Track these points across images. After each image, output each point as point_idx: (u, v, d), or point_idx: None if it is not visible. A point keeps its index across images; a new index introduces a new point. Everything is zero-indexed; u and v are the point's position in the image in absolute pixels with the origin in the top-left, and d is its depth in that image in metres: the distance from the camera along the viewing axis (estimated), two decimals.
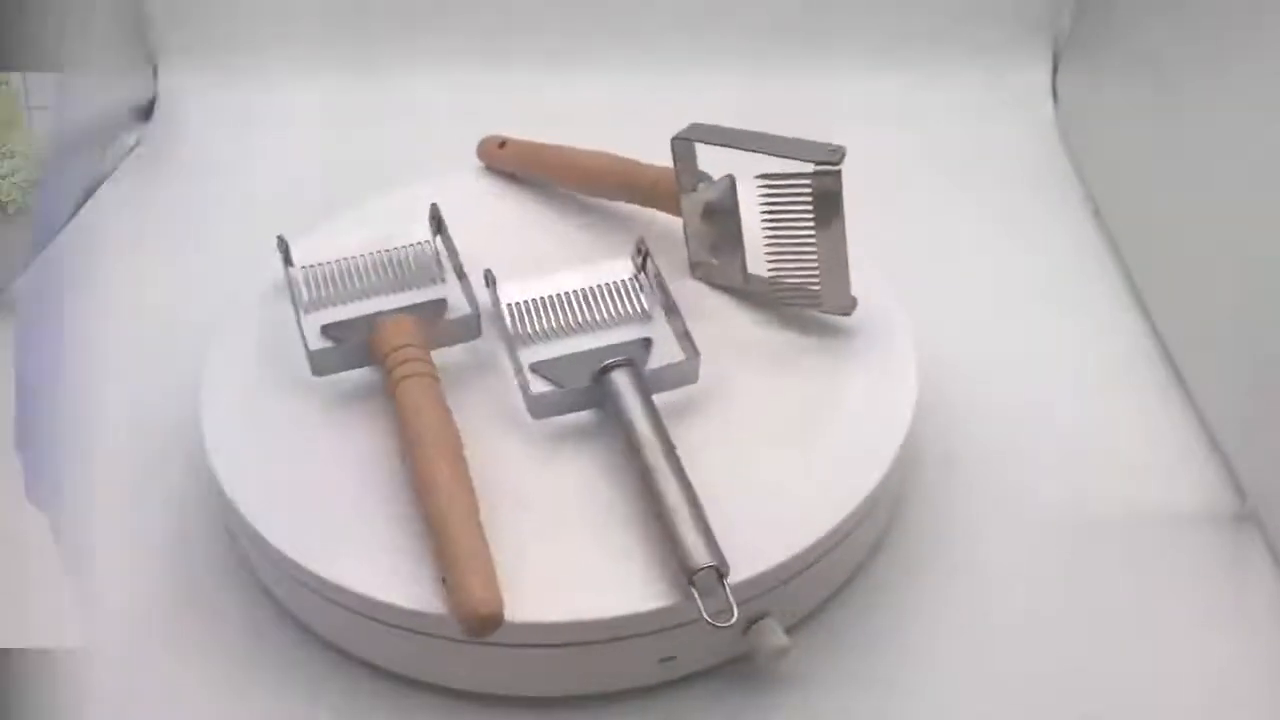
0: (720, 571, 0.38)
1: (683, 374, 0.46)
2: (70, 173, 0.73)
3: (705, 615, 0.37)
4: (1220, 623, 0.45)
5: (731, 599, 0.38)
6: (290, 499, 0.43)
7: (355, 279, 0.52)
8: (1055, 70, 0.80)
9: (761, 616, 0.41)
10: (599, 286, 0.50)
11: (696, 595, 0.38)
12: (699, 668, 0.42)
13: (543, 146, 0.60)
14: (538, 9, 0.80)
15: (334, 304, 0.51)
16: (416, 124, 0.77)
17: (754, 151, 0.46)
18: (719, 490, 0.42)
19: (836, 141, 0.47)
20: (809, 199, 0.45)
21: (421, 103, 0.78)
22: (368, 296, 0.51)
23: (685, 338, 0.47)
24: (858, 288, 0.52)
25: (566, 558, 0.40)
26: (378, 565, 0.40)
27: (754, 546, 0.40)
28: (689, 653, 0.41)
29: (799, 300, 0.49)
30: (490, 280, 0.50)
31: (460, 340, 0.48)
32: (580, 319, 0.49)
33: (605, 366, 0.44)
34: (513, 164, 0.61)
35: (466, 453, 0.42)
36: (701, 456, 0.43)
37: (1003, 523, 0.49)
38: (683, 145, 0.50)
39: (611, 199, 0.57)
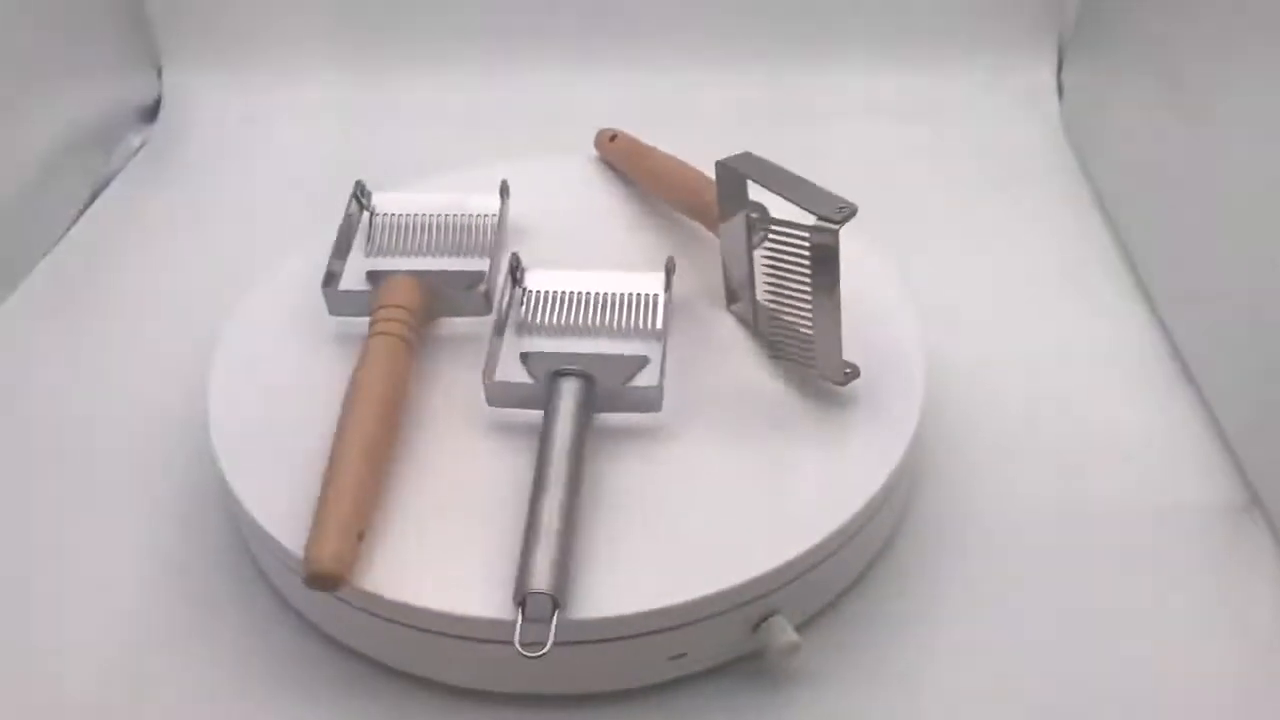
0: (556, 602, 0.37)
1: (645, 399, 0.44)
2: (76, 174, 0.73)
3: (518, 640, 0.36)
4: (1229, 616, 0.45)
5: (553, 633, 0.36)
6: (297, 497, 0.43)
7: (415, 236, 0.54)
8: (1060, 66, 0.80)
9: (771, 614, 0.41)
10: (623, 295, 0.49)
11: (520, 617, 0.37)
12: (709, 665, 0.42)
13: (641, 149, 0.59)
14: (539, 8, 0.80)
15: (386, 254, 0.53)
16: (422, 123, 0.77)
17: (774, 192, 0.44)
18: (728, 487, 0.43)
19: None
20: (807, 254, 0.43)
21: (427, 101, 0.78)
22: (418, 254, 0.53)
23: (661, 364, 0.46)
24: (864, 284, 0.52)
25: (576, 555, 0.40)
26: (384, 562, 0.40)
27: (764, 544, 0.40)
28: (699, 650, 0.41)
29: (795, 356, 0.47)
30: (516, 263, 0.50)
31: (466, 314, 0.49)
32: (589, 322, 0.49)
33: (557, 371, 0.44)
34: (615, 159, 0.61)
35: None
36: (710, 454, 0.44)
37: (1011, 518, 0.49)
38: (724, 171, 0.48)
39: (682, 214, 0.56)
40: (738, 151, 0.55)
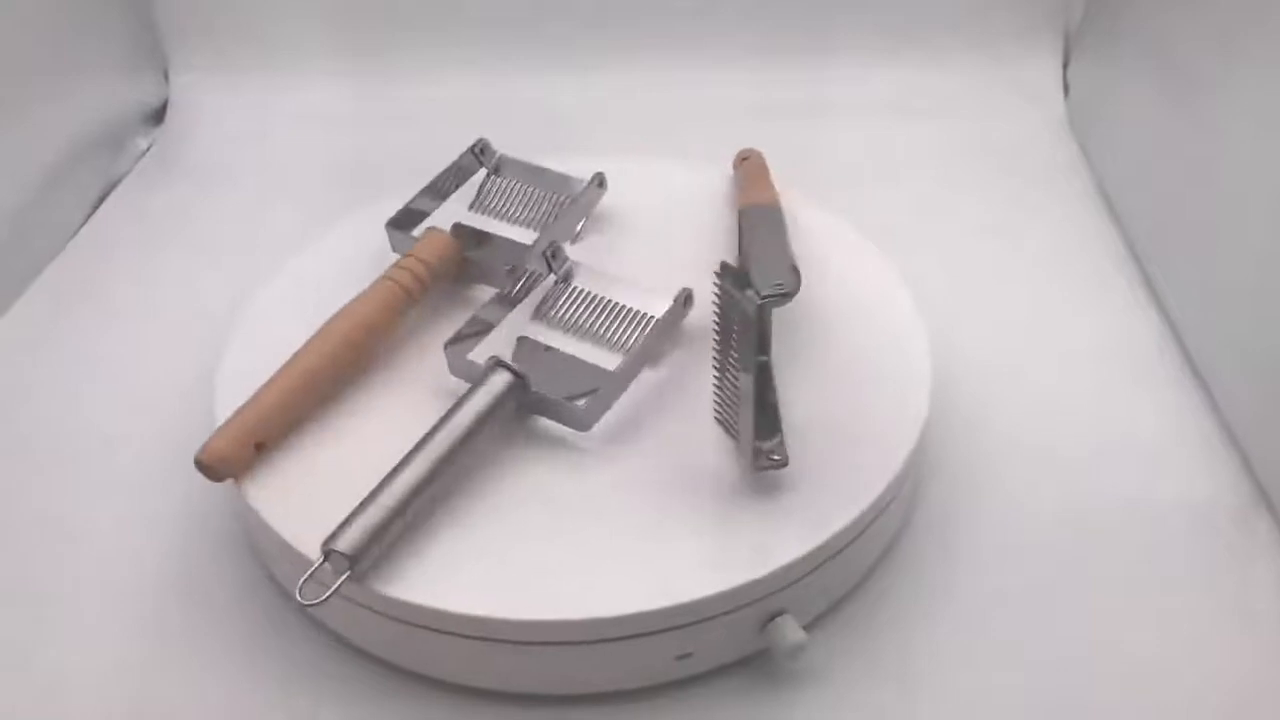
0: (351, 565, 0.38)
1: (571, 415, 0.44)
2: (84, 176, 0.73)
3: (299, 588, 0.38)
4: (1237, 614, 0.45)
5: (337, 588, 0.38)
6: (304, 496, 0.43)
7: (515, 204, 0.56)
8: (1066, 62, 0.80)
9: (779, 613, 0.41)
10: (630, 310, 0.49)
11: (314, 565, 0.38)
12: (716, 664, 0.42)
13: (749, 174, 0.56)
14: (542, 8, 0.80)
15: (482, 212, 0.56)
16: (428, 125, 0.77)
17: (742, 250, 0.45)
18: (735, 485, 0.43)
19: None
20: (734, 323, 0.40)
21: (433, 104, 0.78)
22: (504, 220, 0.56)
23: (615, 385, 0.45)
24: (869, 281, 0.52)
25: (580, 555, 0.40)
26: (391, 560, 0.40)
27: (770, 543, 0.40)
28: (706, 649, 0.41)
29: (728, 429, 0.44)
30: (554, 251, 0.50)
31: (486, 284, 0.51)
32: (588, 327, 0.49)
33: (497, 361, 0.44)
34: (737, 181, 0.59)
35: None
36: (717, 456, 0.44)
37: (1017, 516, 0.49)
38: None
39: None
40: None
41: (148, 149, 0.79)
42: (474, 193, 0.57)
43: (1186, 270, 0.59)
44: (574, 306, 0.50)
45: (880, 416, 0.45)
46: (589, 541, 0.41)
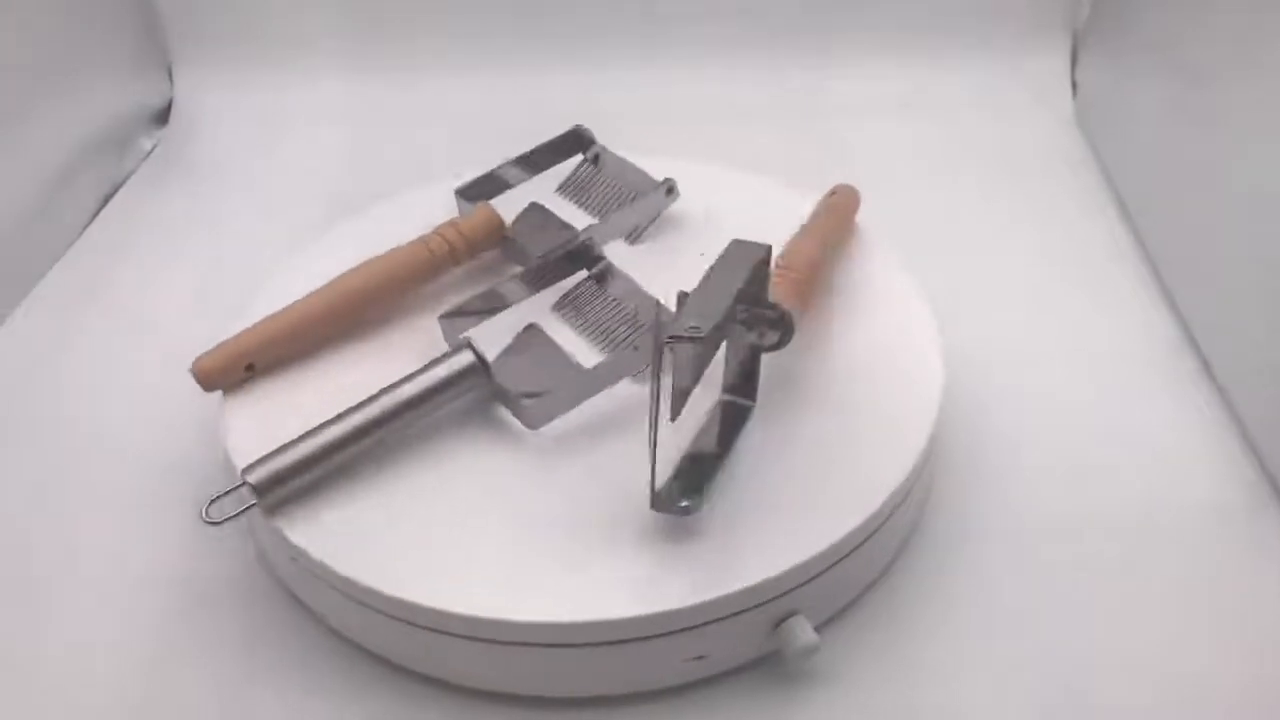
0: (256, 492, 0.40)
1: (521, 411, 0.44)
2: (89, 176, 0.73)
3: (206, 507, 0.41)
4: (1252, 614, 0.44)
5: (237, 514, 0.41)
6: (312, 496, 0.43)
7: (596, 196, 0.56)
8: (1074, 61, 0.79)
9: (791, 614, 0.41)
10: (628, 310, 0.49)
11: (229, 488, 0.41)
12: (729, 667, 0.42)
13: (835, 210, 0.54)
14: (548, 8, 0.80)
15: (565, 197, 0.57)
16: (433, 123, 0.77)
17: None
18: (746, 488, 0.42)
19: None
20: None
21: (438, 102, 0.79)
22: (581, 209, 0.56)
23: (577, 388, 0.45)
24: (879, 281, 0.51)
25: (594, 556, 0.40)
26: (400, 563, 0.40)
27: (782, 544, 0.40)
28: (718, 652, 0.41)
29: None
30: (586, 246, 0.50)
31: (514, 262, 0.52)
32: (600, 330, 0.49)
33: (467, 341, 0.44)
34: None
35: None
36: (730, 456, 0.43)
37: (1030, 516, 0.48)
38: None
39: None
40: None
41: (152, 149, 0.79)
42: (563, 177, 0.57)
43: (1197, 268, 0.58)
44: (594, 306, 0.49)
45: (891, 416, 0.45)
46: (599, 543, 0.41)
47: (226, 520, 0.40)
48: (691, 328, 0.37)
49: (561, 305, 0.50)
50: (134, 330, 0.61)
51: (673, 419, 0.39)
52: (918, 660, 0.43)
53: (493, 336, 0.47)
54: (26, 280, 0.65)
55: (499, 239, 0.52)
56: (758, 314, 0.42)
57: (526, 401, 0.43)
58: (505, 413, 0.45)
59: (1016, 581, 0.46)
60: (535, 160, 0.56)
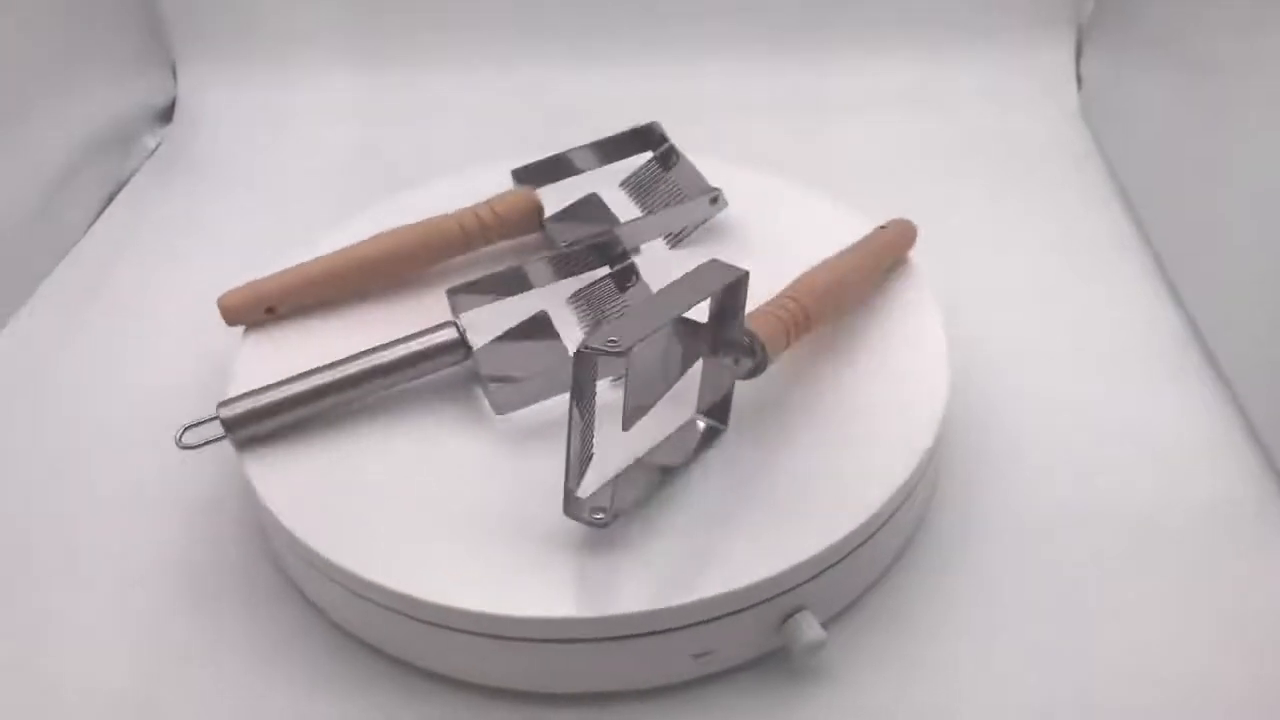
0: (226, 426, 0.44)
1: (490, 394, 0.44)
2: (93, 175, 0.73)
3: (180, 434, 0.44)
4: (1259, 611, 0.44)
5: (205, 443, 0.44)
6: (316, 493, 0.43)
7: (654, 195, 0.56)
8: (1078, 54, 0.79)
9: (797, 610, 0.41)
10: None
11: (205, 419, 0.44)
12: (734, 663, 0.42)
13: (867, 241, 0.51)
14: (547, 3, 0.80)
15: (627, 193, 0.56)
16: (437, 120, 0.77)
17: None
18: (753, 483, 0.42)
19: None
20: None
21: (442, 99, 0.78)
22: (639, 207, 0.55)
23: (541, 383, 0.45)
24: (884, 277, 0.51)
25: (600, 552, 0.40)
26: (406, 559, 0.40)
27: (789, 540, 0.40)
28: (724, 647, 0.41)
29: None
30: (611, 248, 0.50)
31: (547, 248, 0.52)
32: (602, 322, 0.49)
33: (455, 325, 0.46)
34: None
35: None
36: (735, 451, 0.43)
37: (1036, 512, 0.48)
38: None
39: None
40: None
41: (156, 147, 0.79)
42: (628, 172, 0.56)
43: (1202, 261, 0.58)
44: (607, 304, 0.49)
45: (896, 412, 0.45)
46: (605, 538, 0.40)
47: (198, 446, 0.44)
48: (610, 341, 0.37)
49: (576, 298, 0.50)
50: (138, 328, 0.61)
51: (624, 429, 0.39)
52: (922, 657, 0.43)
53: (500, 318, 0.47)
54: (31, 279, 0.65)
55: (537, 223, 0.52)
56: (731, 339, 0.42)
57: (494, 386, 0.44)
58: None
59: (1021, 578, 0.46)
60: (603, 150, 0.56)
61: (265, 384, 0.45)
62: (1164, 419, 0.52)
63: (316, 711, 0.42)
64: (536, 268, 0.50)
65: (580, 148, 0.56)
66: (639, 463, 0.42)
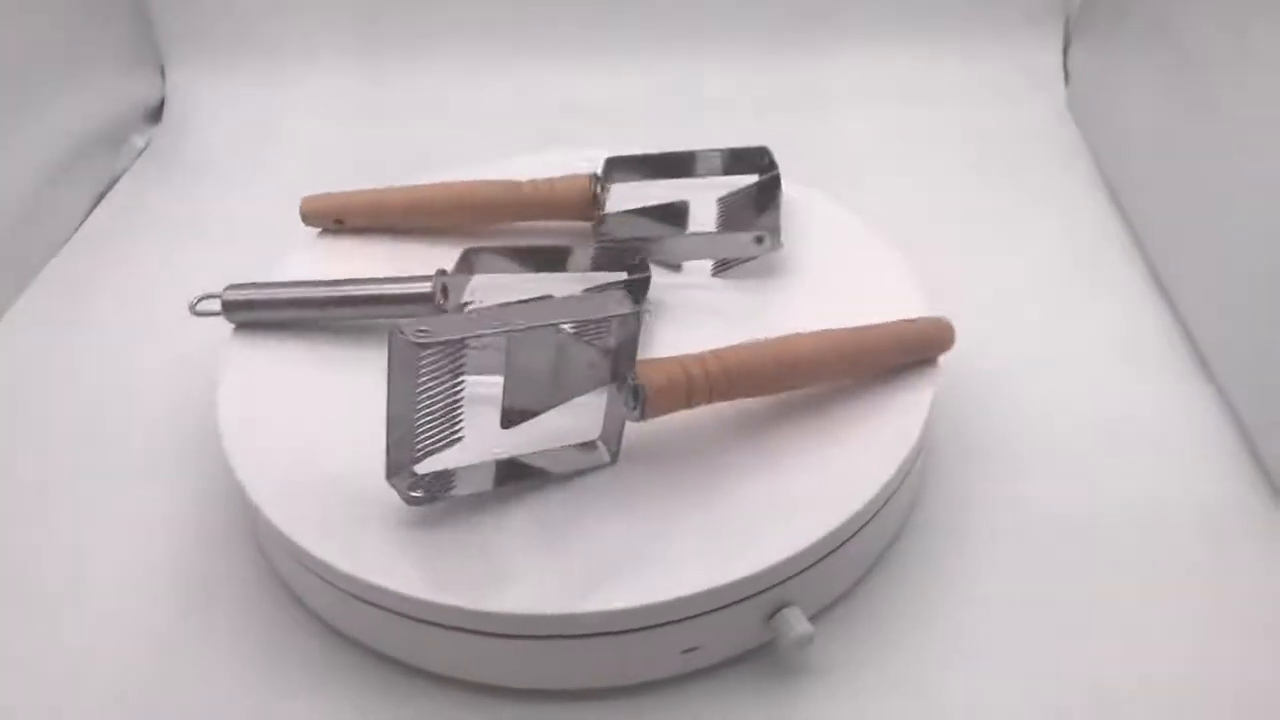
0: (224, 306, 0.50)
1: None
2: (82, 174, 0.73)
3: (195, 302, 0.50)
4: (1248, 613, 0.44)
5: (209, 312, 0.50)
6: (308, 493, 0.43)
7: (734, 212, 0.55)
8: (1066, 49, 0.79)
9: (785, 605, 0.41)
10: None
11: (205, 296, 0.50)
12: (722, 658, 0.42)
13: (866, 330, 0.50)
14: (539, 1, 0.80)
15: (719, 208, 0.56)
16: (427, 120, 0.77)
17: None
18: (740, 478, 0.42)
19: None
20: None
21: (431, 98, 0.78)
22: (720, 220, 0.55)
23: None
24: (872, 270, 0.51)
25: (588, 547, 0.40)
26: (393, 556, 0.40)
27: (775, 534, 0.40)
28: (712, 643, 0.41)
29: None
30: (639, 260, 0.50)
31: (588, 240, 0.53)
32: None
33: (440, 271, 0.48)
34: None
35: None
36: (720, 444, 0.43)
37: (1024, 510, 0.48)
38: None
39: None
40: (754, 139, 0.55)
41: (145, 146, 0.79)
42: (726, 190, 0.55)
43: (1190, 257, 0.58)
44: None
45: (885, 406, 0.45)
46: (593, 534, 0.41)
47: (203, 315, 0.50)
48: (419, 331, 0.37)
49: (583, 295, 0.50)
50: (128, 327, 0.61)
51: (501, 426, 0.40)
52: (911, 651, 0.43)
53: (506, 291, 0.49)
54: (20, 278, 0.65)
55: (587, 210, 0.53)
56: (624, 378, 0.41)
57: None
58: None
59: (1009, 573, 0.46)
60: (706, 161, 0.55)
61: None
62: (1150, 416, 0.53)
63: (312, 713, 0.42)
64: (571, 254, 0.50)
65: (682, 153, 0.55)
66: (511, 460, 0.43)
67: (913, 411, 0.45)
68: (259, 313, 0.50)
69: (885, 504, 0.43)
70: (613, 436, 0.43)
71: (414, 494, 0.41)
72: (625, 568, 0.40)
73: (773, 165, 0.54)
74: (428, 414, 0.39)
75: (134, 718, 0.42)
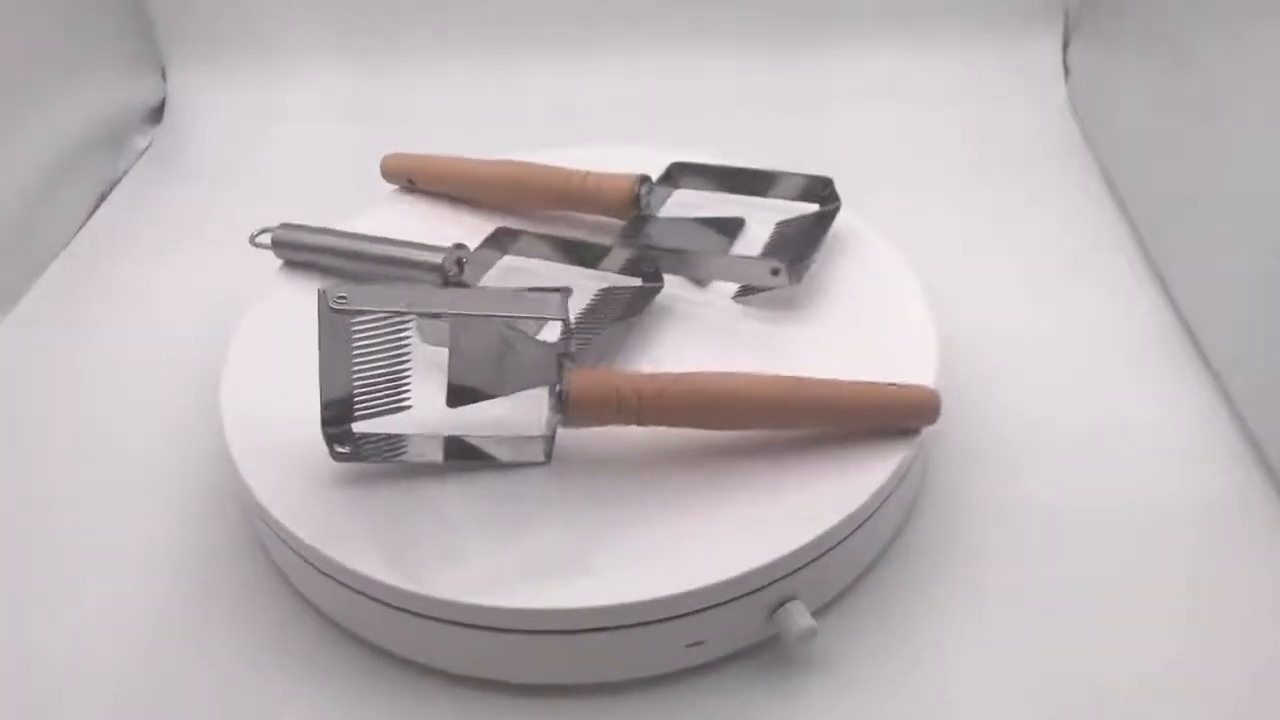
0: (275, 244, 0.54)
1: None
2: (83, 176, 0.73)
3: (254, 235, 0.54)
4: (1248, 608, 0.44)
5: (263, 244, 0.55)
6: (311, 490, 0.43)
7: (786, 238, 0.53)
8: (1066, 45, 0.79)
9: (788, 599, 0.41)
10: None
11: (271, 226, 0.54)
12: (726, 652, 0.42)
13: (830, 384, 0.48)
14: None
15: (775, 230, 0.54)
16: (426, 119, 0.77)
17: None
18: (744, 474, 0.43)
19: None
20: None
21: (431, 98, 0.78)
22: (772, 244, 0.53)
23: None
24: (873, 267, 0.52)
25: (591, 543, 0.40)
26: (395, 551, 0.40)
27: (779, 529, 0.40)
28: (716, 637, 0.41)
29: None
30: (650, 270, 0.50)
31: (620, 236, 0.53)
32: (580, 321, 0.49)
33: (458, 245, 0.51)
34: None
35: None
36: (729, 439, 0.44)
37: (1026, 504, 0.48)
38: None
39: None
40: (741, 139, 0.55)
41: (147, 148, 0.79)
42: (786, 213, 0.54)
43: (1190, 253, 0.58)
44: (600, 309, 0.49)
45: None
46: (597, 528, 0.41)
47: (259, 248, 0.55)
48: (339, 297, 0.39)
49: (601, 294, 0.50)
50: (130, 328, 0.61)
51: (447, 404, 0.42)
52: (913, 645, 0.43)
53: (529, 275, 0.51)
54: (22, 280, 0.65)
55: (627, 209, 0.53)
56: (556, 380, 0.41)
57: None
58: None
59: (1010, 567, 0.46)
60: (769, 181, 0.54)
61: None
62: (1151, 409, 0.53)
63: (314, 708, 0.42)
64: (609, 254, 0.50)
65: (750, 169, 0.54)
66: (459, 440, 0.44)
67: None
68: (300, 254, 0.54)
69: (887, 499, 0.43)
70: (550, 436, 0.43)
71: (339, 449, 0.42)
72: (629, 562, 0.40)
73: (833, 197, 0.53)
74: (362, 378, 0.41)
75: (134, 718, 0.42)
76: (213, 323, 0.53)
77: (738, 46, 0.79)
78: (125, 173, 0.76)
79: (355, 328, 0.40)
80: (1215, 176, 0.56)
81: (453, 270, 0.50)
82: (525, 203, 0.57)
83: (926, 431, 0.45)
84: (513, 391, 0.42)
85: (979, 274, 0.61)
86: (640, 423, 0.42)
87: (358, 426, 0.42)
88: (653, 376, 0.42)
